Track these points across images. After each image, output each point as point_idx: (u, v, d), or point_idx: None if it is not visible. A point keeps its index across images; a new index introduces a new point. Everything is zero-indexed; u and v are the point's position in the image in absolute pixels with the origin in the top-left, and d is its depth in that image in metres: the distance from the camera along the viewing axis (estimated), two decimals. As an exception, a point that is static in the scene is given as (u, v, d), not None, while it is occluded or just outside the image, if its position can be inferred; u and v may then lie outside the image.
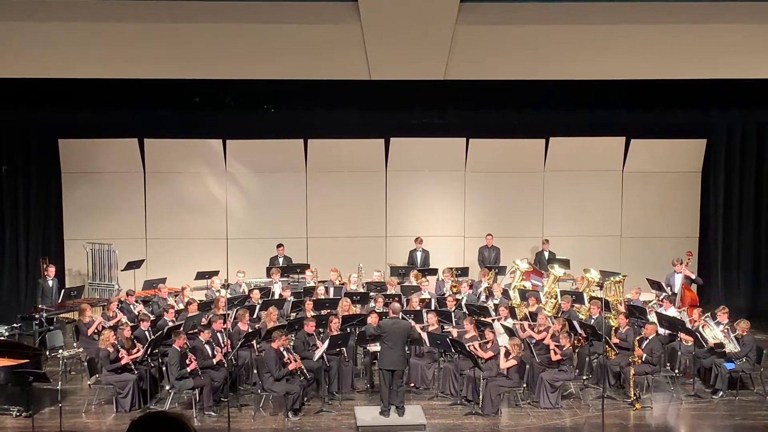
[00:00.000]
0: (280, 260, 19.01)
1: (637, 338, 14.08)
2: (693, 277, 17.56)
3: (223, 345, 13.77)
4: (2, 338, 14.96)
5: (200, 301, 16.04)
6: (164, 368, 13.57)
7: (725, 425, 12.93)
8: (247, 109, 19.08)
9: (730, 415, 13.28)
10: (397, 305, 13.99)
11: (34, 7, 13.36)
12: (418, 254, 19.43)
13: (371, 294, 16.55)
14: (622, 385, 14.03)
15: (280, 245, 19.19)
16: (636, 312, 15.55)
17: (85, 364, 13.90)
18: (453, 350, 13.91)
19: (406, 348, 13.94)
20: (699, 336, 14.26)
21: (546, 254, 19.40)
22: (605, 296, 16.48)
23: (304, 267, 18.58)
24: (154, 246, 20.12)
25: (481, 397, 13.09)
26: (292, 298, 16.54)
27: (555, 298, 17.08)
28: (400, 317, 13.79)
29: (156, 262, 19.61)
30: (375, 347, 14.03)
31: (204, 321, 14.69)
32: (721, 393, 13.93)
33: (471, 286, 17.33)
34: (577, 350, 14.55)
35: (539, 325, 14.72)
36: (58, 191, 20.00)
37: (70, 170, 19.97)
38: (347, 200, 20.43)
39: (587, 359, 14.74)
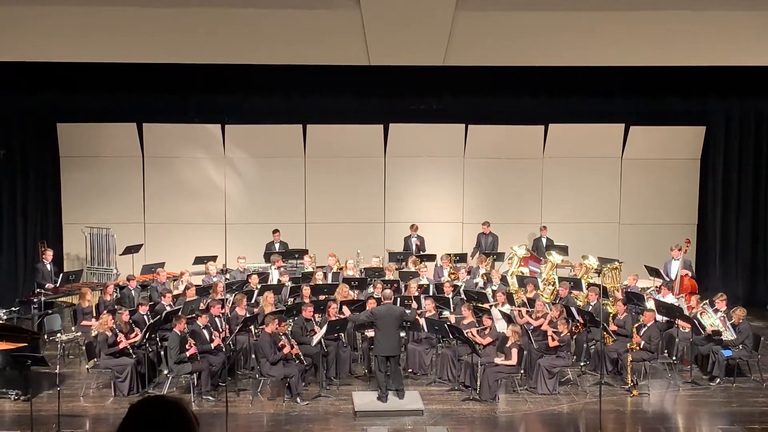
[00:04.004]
0: (277, 246, 18.98)
1: (635, 325, 14.10)
2: (690, 274, 17.47)
3: (221, 330, 13.79)
4: (0, 322, 14.96)
5: (197, 285, 16.05)
6: (162, 352, 13.60)
7: (722, 412, 12.95)
8: (246, 94, 19.09)
9: (727, 402, 13.31)
10: (388, 291, 14.00)
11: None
12: (413, 240, 19.42)
13: (369, 280, 16.56)
14: (620, 372, 14.06)
15: (276, 231, 19.15)
16: (634, 299, 15.58)
17: (84, 347, 13.92)
18: (451, 336, 13.94)
19: (404, 334, 13.99)
20: (697, 323, 14.28)
21: (544, 241, 19.41)
22: (603, 283, 16.49)
23: (302, 252, 18.58)
24: (153, 230, 20.10)
25: (478, 382, 13.13)
26: (290, 283, 16.54)
27: (553, 285, 17.10)
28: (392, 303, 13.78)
29: (154, 246, 19.58)
30: (373, 332, 14.06)
31: (202, 306, 14.71)
32: (718, 380, 13.96)
33: (469, 273, 17.35)
34: (574, 337, 14.58)
35: (537, 312, 14.76)
36: (56, 175, 19.95)
37: (68, 154, 19.92)
38: (346, 186, 20.39)
39: (585, 346, 14.76)
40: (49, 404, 12.58)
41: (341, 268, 17.56)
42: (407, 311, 14.06)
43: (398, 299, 14.75)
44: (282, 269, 17.42)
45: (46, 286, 16.78)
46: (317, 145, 20.17)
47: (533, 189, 20.63)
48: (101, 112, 19.36)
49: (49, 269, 17.23)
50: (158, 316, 14.18)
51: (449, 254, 18.25)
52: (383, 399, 12.81)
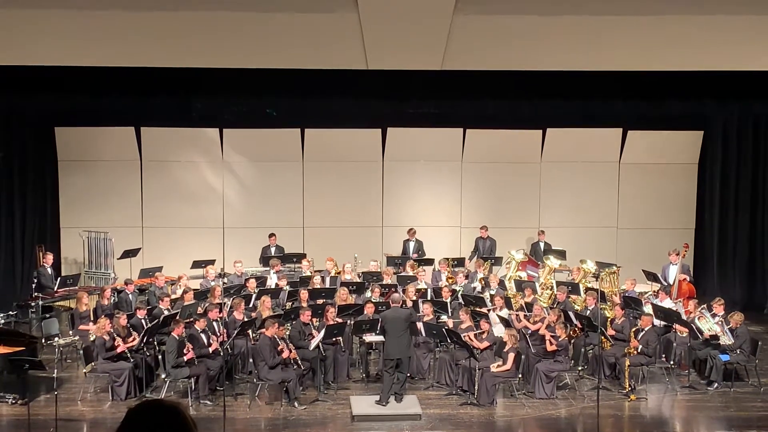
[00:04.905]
0: (272, 249, 18.98)
1: (633, 329, 14.10)
2: (688, 279, 17.45)
3: (219, 334, 13.78)
4: (-2, 326, 14.98)
5: (195, 289, 16.05)
6: (160, 357, 13.59)
7: (720, 416, 12.96)
8: (244, 98, 19.10)
9: (725, 407, 13.31)
10: (396, 295, 14.05)
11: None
12: (411, 245, 19.42)
13: (367, 284, 16.55)
14: (618, 376, 14.06)
15: (272, 234, 19.15)
16: (631, 303, 15.58)
17: (81, 352, 13.91)
18: (449, 340, 13.94)
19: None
20: (694, 327, 14.28)
21: (541, 245, 19.40)
22: (600, 287, 16.49)
23: (300, 256, 18.57)
24: (151, 234, 20.10)
25: (476, 387, 13.12)
26: (288, 287, 16.52)
27: (551, 289, 17.10)
28: (400, 306, 13.76)
29: (152, 250, 19.57)
30: (371, 337, 14.06)
31: (200, 310, 14.71)
32: (716, 384, 13.95)
33: (467, 277, 17.35)
34: (572, 341, 14.57)
35: (535, 316, 14.74)
36: (54, 179, 19.95)
37: (66, 158, 19.92)
38: (344, 190, 20.41)
39: (583, 350, 14.76)
40: (46, 408, 12.57)
41: (339, 272, 17.56)
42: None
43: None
44: (280, 273, 17.41)
45: (55, 289, 16.82)
46: (315, 149, 20.18)
47: (531, 193, 20.64)
48: (99, 115, 19.37)
49: (50, 273, 17.26)
50: (156, 320, 14.17)
51: (447, 258, 18.26)
52: (384, 402, 12.79)
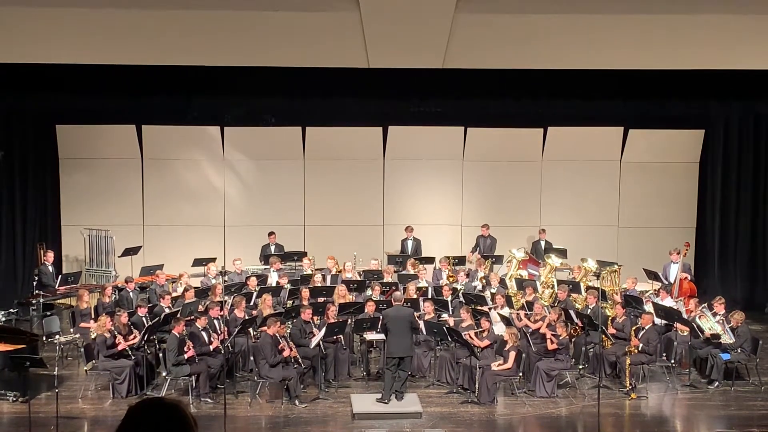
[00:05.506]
0: (272, 248, 18.97)
1: (634, 328, 14.10)
2: (689, 277, 17.44)
3: (219, 332, 13.78)
4: (-1, 324, 14.98)
5: (196, 287, 16.05)
6: (161, 354, 13.60)
7: (720, 415, 12.96)
8: (246, 96, 19.08)
9: (726, 405, 13.31)
10: (398, 294, 14.08)
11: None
12: (409, 243, 19.41)
13: (368, 282, 16.55)
14: (618, 375, 14.06)
15: (271, 233, 19.13)
16: (632, 302, 15.57)
17: (82, 349, 13.91)
18: (450, 339, 13.94)
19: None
20: (695, 326, 14.28)
21: (542, 244, 19.40)
22: (601, 286, 16.48)
23: (301, 255, 18.57)
24: (152, 232, 20.09)
25: (477, 385, 13.12)
26: (288, 285, 16.53)
27: (552, 288, 17.09)
28: (402, 305, 13.75)
29: (153, 248, 19.55)
30: (372, 335, 14.06)
31: (201, 308, 14.71)
32: (716, 383, 13.96)
33: (468, 275, 17.34)
34: (573, 340, 14.58)
35: (535, 315, 14.74)
36: (55, 177, 19.94)
37: (67, 156, 19.92)
38: (345, 188, 20.39)
39: (583, 349, 14.76)
40: (47, 406, 12.57)
41: (340, 271, 17.56)
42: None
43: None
44: (281, 271, 17.40)
45: (56, 287, 16.83)
46: (316, 148, 20.16)
47: (532, 192, 20.62)
48: (100, 113, 19.35)
49: (51, 271, 17.27)
50: (157, 318, 14.19)
51: (448, 257, 18.25)
52: (385, 400, 12.80)
